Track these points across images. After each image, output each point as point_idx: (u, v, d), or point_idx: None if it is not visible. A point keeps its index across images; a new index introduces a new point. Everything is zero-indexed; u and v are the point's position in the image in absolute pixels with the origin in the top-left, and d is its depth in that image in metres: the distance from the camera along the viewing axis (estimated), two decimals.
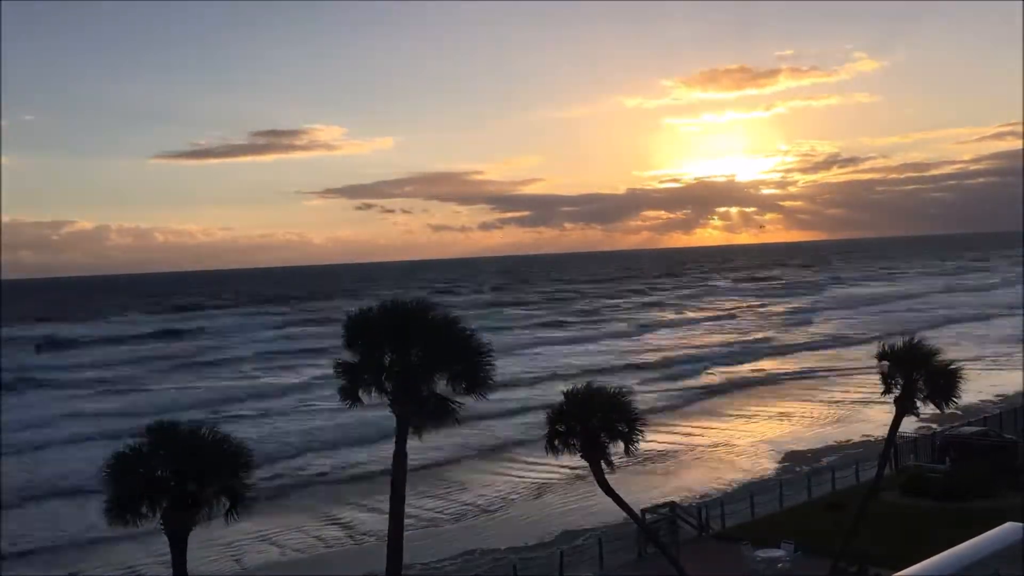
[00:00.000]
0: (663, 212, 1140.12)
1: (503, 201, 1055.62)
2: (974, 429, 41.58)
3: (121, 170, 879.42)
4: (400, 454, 20.72)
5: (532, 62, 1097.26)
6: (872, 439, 49.74)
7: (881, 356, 25.44)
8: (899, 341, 25.63)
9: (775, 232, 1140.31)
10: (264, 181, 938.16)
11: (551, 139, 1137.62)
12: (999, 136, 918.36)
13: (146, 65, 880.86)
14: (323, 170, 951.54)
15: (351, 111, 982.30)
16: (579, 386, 23.20)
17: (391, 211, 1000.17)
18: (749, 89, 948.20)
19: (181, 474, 16.76)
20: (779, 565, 28.26)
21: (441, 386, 20.61)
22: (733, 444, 53.68)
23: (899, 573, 4.69)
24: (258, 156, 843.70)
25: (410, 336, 20.27)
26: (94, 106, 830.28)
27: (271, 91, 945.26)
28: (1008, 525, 5.45)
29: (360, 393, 20.62)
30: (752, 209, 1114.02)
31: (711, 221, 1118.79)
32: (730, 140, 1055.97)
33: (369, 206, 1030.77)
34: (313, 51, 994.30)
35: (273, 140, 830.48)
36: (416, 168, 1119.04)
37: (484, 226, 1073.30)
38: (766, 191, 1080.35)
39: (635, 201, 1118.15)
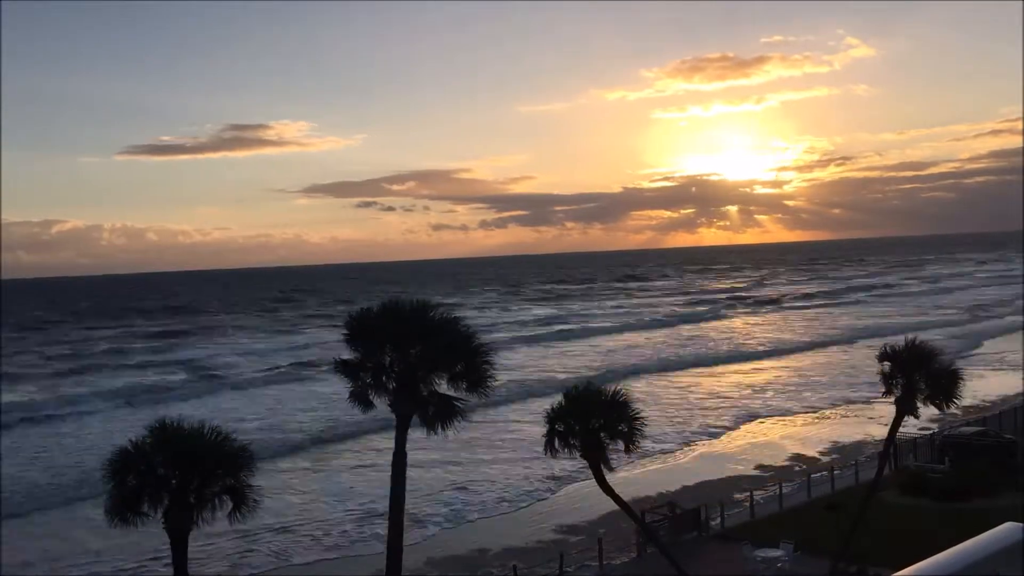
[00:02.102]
0: (663, 211, 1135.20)
1: (498, 200, 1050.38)
2: (974, 429, 41.60)
3: (88, 167, 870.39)
4: (399, 454, 20.74)
5: (507, 56, 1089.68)
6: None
7: (882, 356, 25.46)
8: (900, 341, 25.68)
9: (777, 232, 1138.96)
10: (242, 179, 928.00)
11: (535, 135, 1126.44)
12: (995, 133, 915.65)
13: (103, 60, 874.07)
14: (300, 167, 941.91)
15: (317, 107, 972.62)
16: (578, 386, 23.14)
17: (392, 209, 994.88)
18: (736, 79, 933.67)
19: (183, 473, 16.76)
20: (779, 565, 28.27)
21: (442, 385, 20.65)
22: None
23: (898, 573, 4.71)
24: (229, 152, 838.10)
25: (410, 336, 20.30)
26: (51, 101, 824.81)
27: (233, 87, 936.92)
28: (1008, 525, 5.48)
29: (370, 395, 20.66)
30: (753, 208, 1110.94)
31: (714, 220, 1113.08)
32: (723, 136, 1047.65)
33: (368, 204, 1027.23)
34: (275, 46, 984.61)
35: (239, 134, 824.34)
36: (396, 165, 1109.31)
37: (484, 225, 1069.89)
38: (763, 190, 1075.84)
39: (631, 200, 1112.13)
